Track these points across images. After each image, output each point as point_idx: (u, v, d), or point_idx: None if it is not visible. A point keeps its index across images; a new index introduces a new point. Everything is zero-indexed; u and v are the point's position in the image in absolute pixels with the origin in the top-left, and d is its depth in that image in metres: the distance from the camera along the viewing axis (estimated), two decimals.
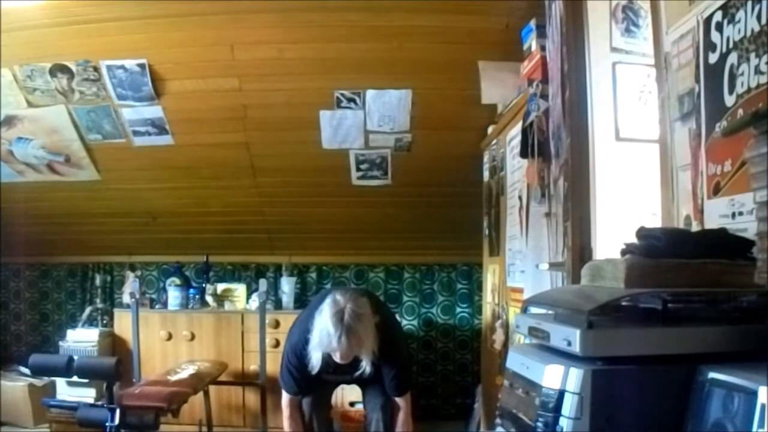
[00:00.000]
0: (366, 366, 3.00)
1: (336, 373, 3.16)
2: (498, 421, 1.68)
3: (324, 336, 2.92)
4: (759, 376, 1.10)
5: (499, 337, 3.45)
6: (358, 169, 4.48)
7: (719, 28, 1.74)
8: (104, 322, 5.06)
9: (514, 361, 1.62)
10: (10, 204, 4.68)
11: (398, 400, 3.23)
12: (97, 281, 5.37)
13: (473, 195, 4.21)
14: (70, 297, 5.51)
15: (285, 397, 3.22)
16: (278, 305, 4.92)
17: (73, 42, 3.69)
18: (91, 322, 5.06)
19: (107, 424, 3.02)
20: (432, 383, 5.23)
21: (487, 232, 4.07)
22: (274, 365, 3.96)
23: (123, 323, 4.73)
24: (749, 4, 1.61)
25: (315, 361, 3.02)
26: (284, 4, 3.51)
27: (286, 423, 3.23)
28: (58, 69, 3.86)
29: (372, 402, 3.29)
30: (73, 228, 5.05)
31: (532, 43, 3.05)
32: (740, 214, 1.63)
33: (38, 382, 4.63)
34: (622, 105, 2.39)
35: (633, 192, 2.33)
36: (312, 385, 3.20)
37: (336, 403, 4.03)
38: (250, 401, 4.57)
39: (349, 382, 3.40)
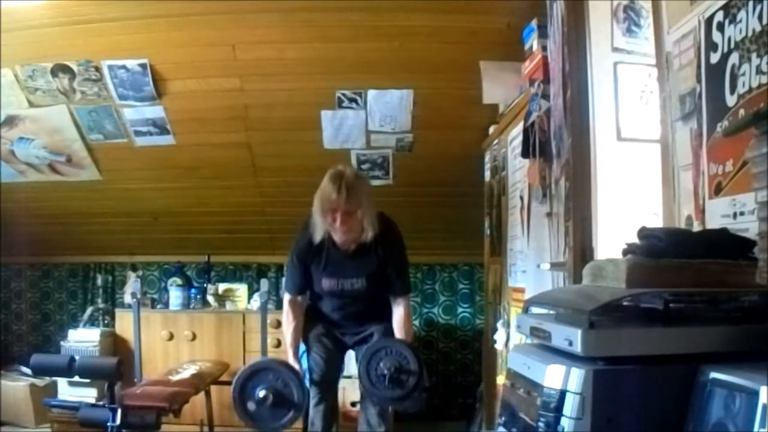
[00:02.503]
0: (368, 232, 2.99)
1: (338, 275, 3.11)
2: (500, 421, 1.68)
3: (324, 194, 2.94)
4: (760, 376, 1.10)
5: (500, 337, 3.45)
6: (360, 169, 4.47)
7: (720, 28, 1.74)
8: (106, 322, 5.07)
9: (516, 361, 1.62)
10: (11, 204, 4.69)
11: (400, 300, 3.19)
12: (99, 281, 5.38)
13: (475, 195, 4.21)
14: (71, 297, 5.52)
15: (286, 297, 3.23)
16: (280, 305, 4.85)
17: (74, 42, 3.70)
18: (92, 322, 5.07)
19: (109, 424, 3.02)
20: (433, 383, 5.22)
21: (488, 232, 4.07)
22: None
23: (124, 323, 4.74)
24: (750, 4, 1.60)
25: (318, 234, 3.03)
26: (286, 4, 3.51)
27: (284, 320, 3.23)
28: (59, 69, 3.87)
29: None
30: (75, 228, 5.05)
31: (533, 43, 3.04)
32: (742, 214, 1.63)
33: (39, 382, 4.64)
34: (623, 105, 2.38)
35: (634, 192, 2.33)
36: (313, 285, 3.17)
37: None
38: None
39: (353, 302, 3.20)
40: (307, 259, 3.14)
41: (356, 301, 3.20)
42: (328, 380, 3.20)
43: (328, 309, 3.25)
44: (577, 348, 1.32)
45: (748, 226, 1.57)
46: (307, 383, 3.12)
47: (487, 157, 4.04)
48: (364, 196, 2.97)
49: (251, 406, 2.84)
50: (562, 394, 1.33)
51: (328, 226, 3.00)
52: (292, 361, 3.11)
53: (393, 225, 3.21)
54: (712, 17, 1.79)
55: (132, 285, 4.82)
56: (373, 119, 4.14)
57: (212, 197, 4.77)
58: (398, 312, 3.18)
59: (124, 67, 3.84)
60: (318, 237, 3.04)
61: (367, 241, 3.04)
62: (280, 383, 2.86)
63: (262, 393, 2.84)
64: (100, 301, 5.30)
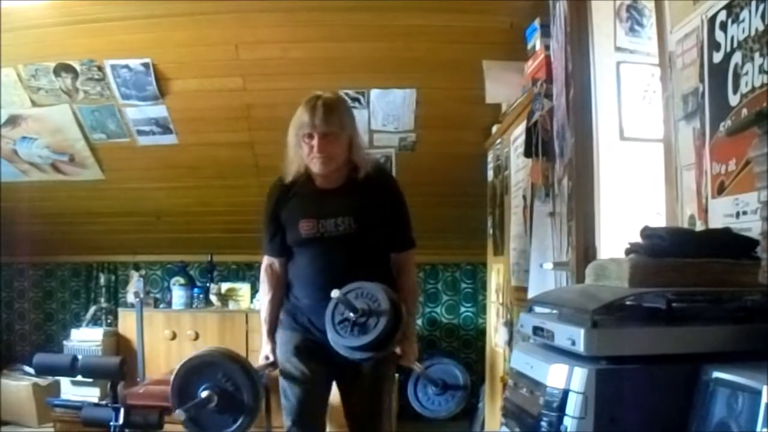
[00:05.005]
0: (357, 166, 2.52)
1: (318, 214, 2.52)
2: (502, 420, 1.68)
3: (298, 119, 2.47)
4: (763, 375, 1.10)
5: (503, 336, 3.45)
6: None
7: (723, 27, 1.74)
8: (108, 321, 5.07)
9: (519, 361, 1.62)
10: (14, 203, 4.69)
11: (402, 256, 2.63)
12: (102, 281, 5.38)
13: (477, 194, 4.21)
14: (74, 296, 5.53)
15: (263, 263, 2.76)
16: None
17: (77, 41, 3.71)
18: (95, 321, 5.07)
19: (111, 423, 3.01)
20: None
21: (491, 231, 4.07)
22: None
23: (127, 323, 4.75)
24: (753, 3, 1.60)
25: (291, 168, 2.54)
26: (288, 3, 3.52)
27: (260, 292, 2.83)
28: (62, 68, 3.87)
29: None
30: (78, 227, 5.06)
31: (536, 42, 3.05)
32: (744, 213, 1.63)
33: (42, 381, 4.64)
34: (626, 104, 2.38)
35: (637, 191, 2.33)
36: (289, 239, 2.62)
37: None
38: None
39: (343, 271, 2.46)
40: (279, 206, 2.61)
41: (343, 257, 2.51)
42: (309, 410, 2.53)
43: (307, 279, 2.59)
44: (580, 347, 1.32)
45: (751, 226, 1.57)
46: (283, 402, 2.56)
47: (490, 157, 4.04)
48: (346, 118, 2.51)
49: (191, 409, 2.32)
50: (565, 393, 1.33)
51: (306, 158, 2.48)
52: (265, 340, 2.66)
53: (389, 171, 2.80)
54: (714, 16, 1.78)
55: (135, 284, 4.84)
56: (376, 119, 4.14)
57: (215, 197, 4.77)
58: (400, 272, 2.62)
59: (126, 66, 3.84)
60: (292, 171, 2.54)
61: (358, 177, 2.52)
62: (230, 384, 2.34)
63: (204, 393, 2.33)
64: (103, 300, 5.30)
